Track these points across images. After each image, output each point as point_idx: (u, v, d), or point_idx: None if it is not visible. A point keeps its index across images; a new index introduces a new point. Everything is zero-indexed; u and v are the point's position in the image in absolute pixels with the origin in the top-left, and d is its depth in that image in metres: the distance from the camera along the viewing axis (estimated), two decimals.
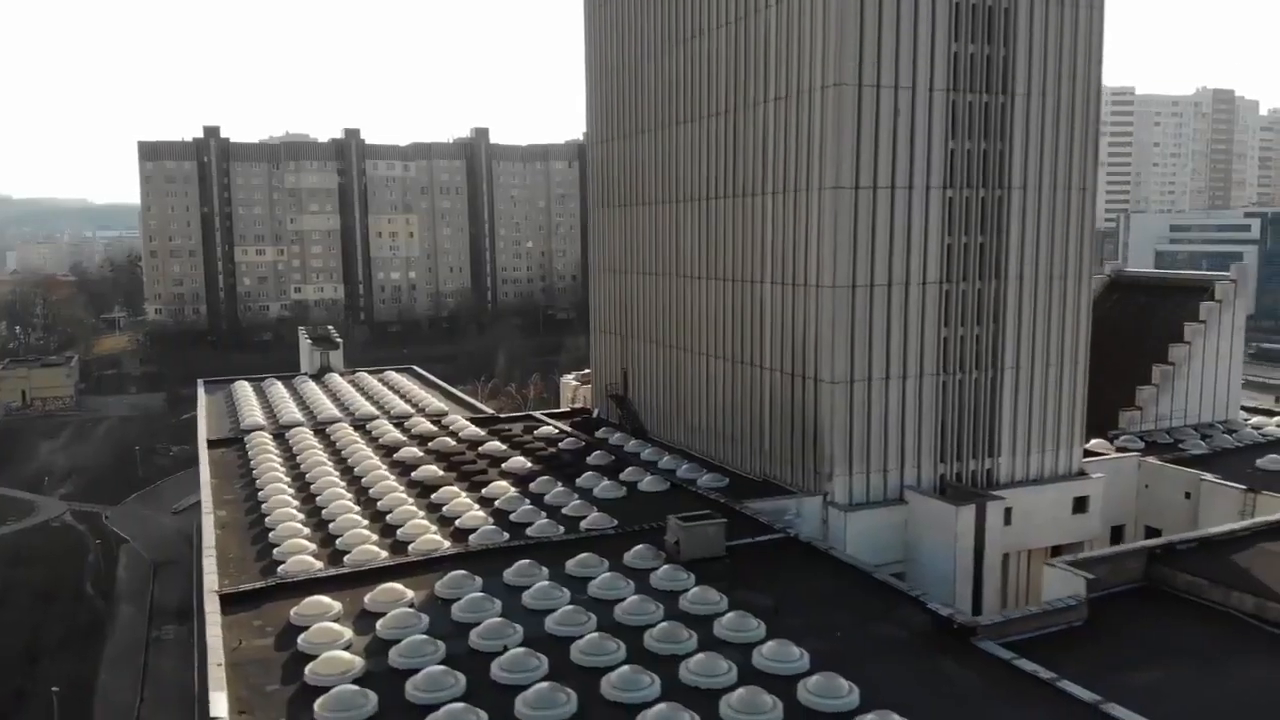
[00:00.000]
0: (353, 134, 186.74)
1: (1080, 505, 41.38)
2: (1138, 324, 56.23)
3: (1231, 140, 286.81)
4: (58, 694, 52.42)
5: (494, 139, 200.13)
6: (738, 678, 22.86)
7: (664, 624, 25.61)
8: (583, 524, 35.56)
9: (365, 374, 74.21)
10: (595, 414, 59.69)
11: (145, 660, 57.43)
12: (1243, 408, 57.11)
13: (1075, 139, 40.57)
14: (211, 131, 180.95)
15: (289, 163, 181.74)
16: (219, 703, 21.88)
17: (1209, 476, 41.91)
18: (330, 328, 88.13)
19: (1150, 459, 45.36)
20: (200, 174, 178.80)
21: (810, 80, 37.62)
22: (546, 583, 28.67)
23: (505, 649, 24.11)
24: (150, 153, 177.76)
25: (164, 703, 47.79)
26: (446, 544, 33.15)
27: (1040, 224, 40.26)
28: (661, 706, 20.99)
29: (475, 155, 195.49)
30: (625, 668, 22.95)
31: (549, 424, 56.12)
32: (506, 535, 34.06)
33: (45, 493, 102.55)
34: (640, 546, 32.01)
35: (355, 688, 22.24)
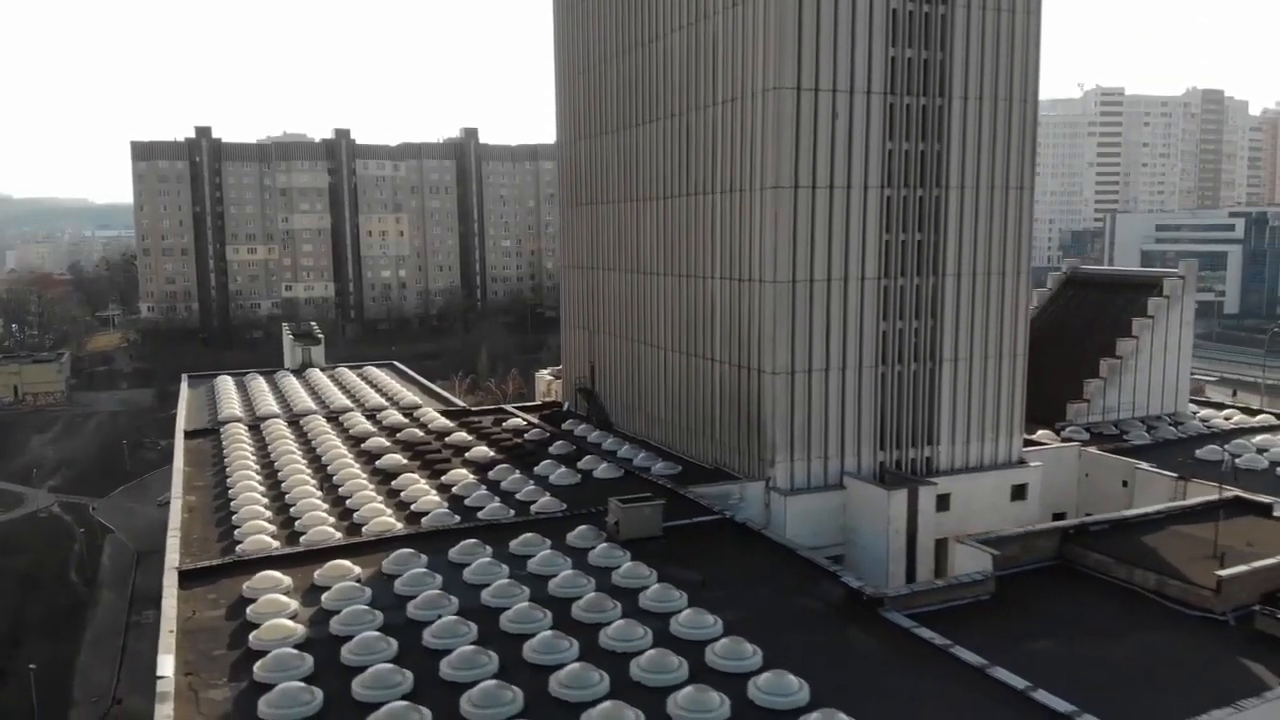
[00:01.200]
0: (343, 134, 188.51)
1: (1019, 493, 42.99)
2: (1090, 319, 57.96)
3: (1221, 140, 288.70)
4: (34, 671, 54.21)
5: (483, 139, 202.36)
6: (652, 642, 24.50)
7: (591, 595, 27.28)
8: (533, 508, 37.23)
9: (345, 369, 75.76)
10: (565, 407, 61.34)
11: (124, 643, 59.18)
12: (1192, 400, 58.83)
13: (1013, 140, 42.19)
14: (203, 132, 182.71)
15: (280, 162, 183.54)
16: (165, 664, 23.54)
17: (1143, 465, 43.58)
18: (313, 324, 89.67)
19: (1091, 449, 47.02)
20: (192, 173, 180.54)
21: (752, 84, 39.25)
22: (487, 560, 30.29)
23: (439, 618, 25.73)
24: (143, 152, 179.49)
25: (139, 682, 49.45)
26: (399, 526, 34.82)
27: (978, 222, 41.85)
28: (574, 667, 22.66)
29: (465, 155, 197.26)
30: (548, 633, 24.64)
31: (518, 416, 57.87)
32: (458, 518, 35.73)
33: (34, 485, 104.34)
34: (583, 527, 33.66)
35: (293, 651, 23.91)
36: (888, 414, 41.37)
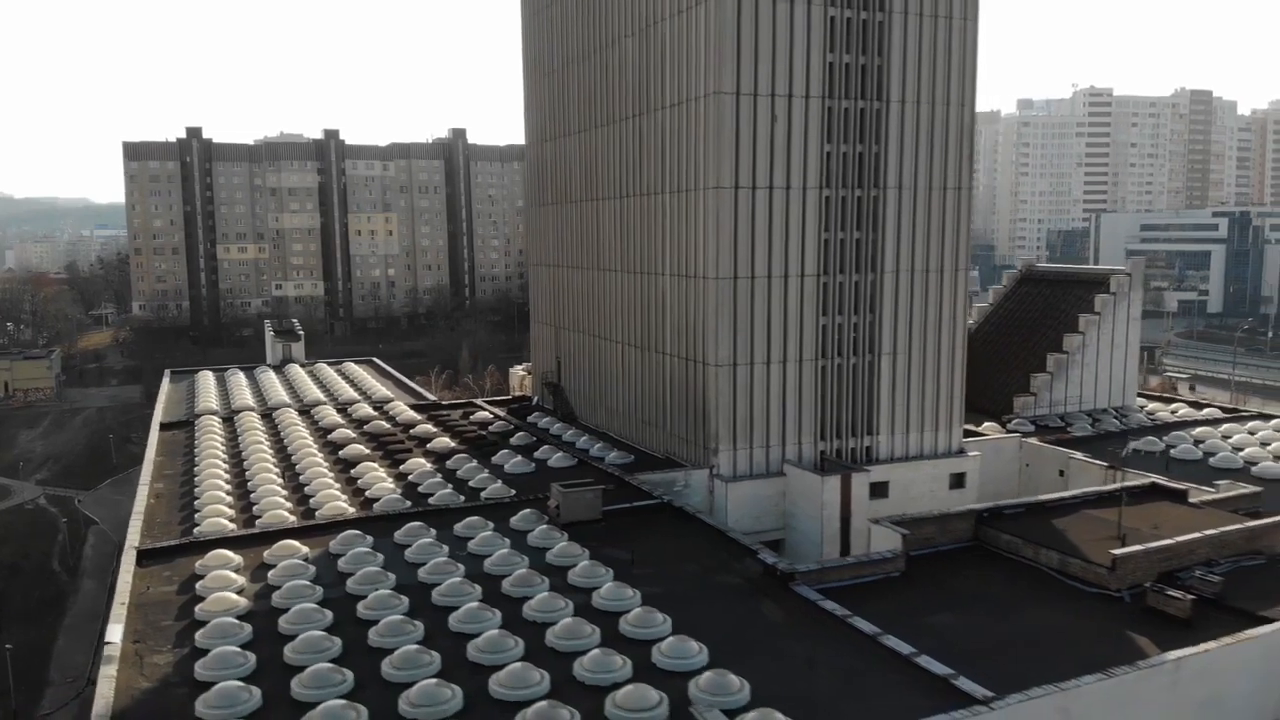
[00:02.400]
0: (332, 134, 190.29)
1: (958, 481, 44.76)
2: (1041, 315, 59.69)
3: (1209, 141, 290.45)
4: (11, 653, 55.87)
5: (472, 139, 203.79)
6: (572, 613, 26.18)
7: (522, 571, 28.98)
8: (483, 494, 38.92)
9: (325, 365, 77.29)
10: (534, 401, 63.01)
11: (101, 628, 60.67)
12: (1140, 394, 60.57)
13: (950, 143, 43.83)
14: (194, 132, 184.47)
15: (270, 163, 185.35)
16: (114, 632, 25.24)
17: (1078, 455, 45.29)
18: (295, 321, 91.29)
19: (1031, 440, 48.74)
20: (183, 174, 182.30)
21: (695, 89, 40.95)
22: (430, 541, 31.97)
23: (374, 592, 27.40)
24: (134, 153, 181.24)
25: None
26: (351, 510, 36.50)
27: (915, 221, 43.51)
28: (492, 634, 24.36)
29: (453, 155, 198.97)
30: (473, 605, 26.33)
31: (486, 410, 59.49)
32: (408, 503, 37.42)
33: (22, 478, 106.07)
34: (526, 511, 35.37)
35: (233, 620, 25.60)
36: (828, 405, 43.06)
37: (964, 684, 22.23)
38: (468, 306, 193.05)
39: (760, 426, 41.91)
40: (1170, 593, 27.27)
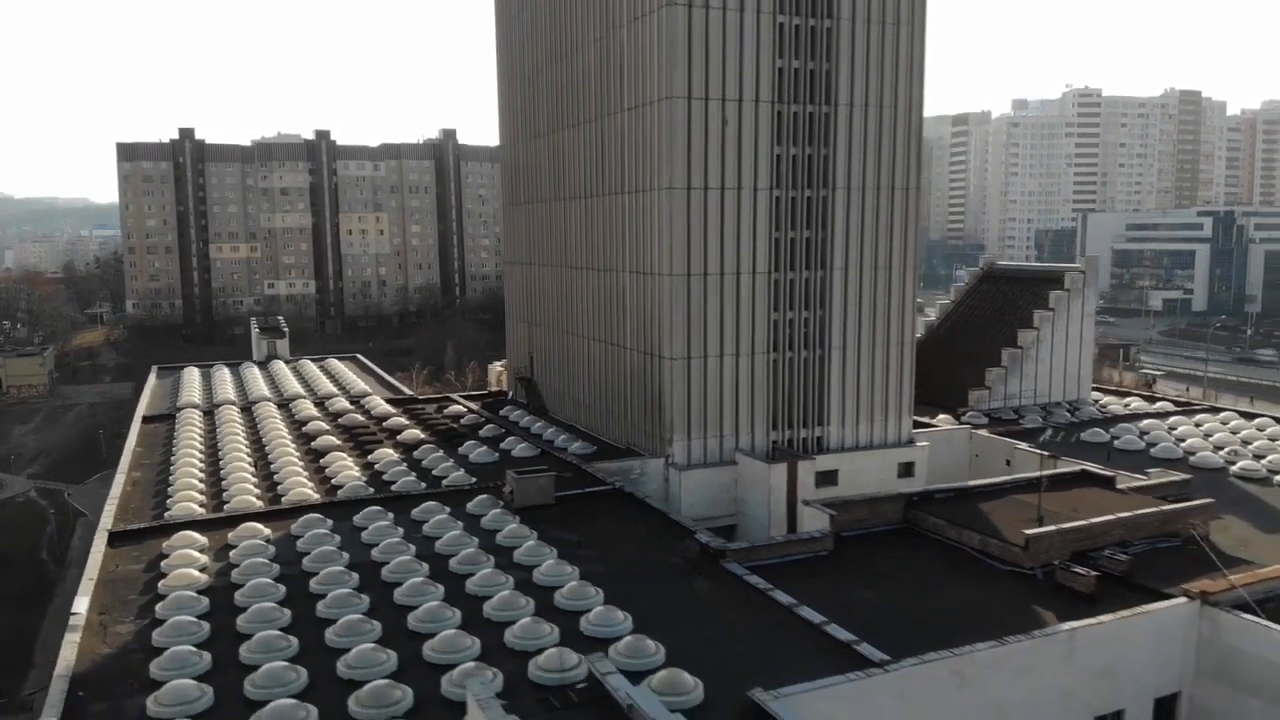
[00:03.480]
0: (323, 135, 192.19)
1: (907, 470, 46.44)
2: (999, 312, 61.45)
3: (1198, 141, 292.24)
4: None
5: (462, 140, 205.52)
6: (512, 587, 27.88)
7: (469, 550, 30.70)
8: (444, 481, 40.62)
9: (308, 361, 79.00)
10: (509, 395, 64.71)
11: None
12: (1095, 388, 62.31)
13: (898, 145, 45.48)
14: (186, 133, 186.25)
15: (262, 163, 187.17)
16: (80, 604, 26.96)
17: (1021, 445, 47.01)
18: (280, 318, 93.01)
19: (981, 431, 50.47)
20: (176, 174, 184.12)
21: (650, 93, 42.65)
22: (386, 524, 33.68)
23: (327, 569, 29.11)
24: (128, 153, 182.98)
25: None
26: (315, 496, 38.20)
27: (864, 221, 45.19)
28: (433, 604, 26.08)
29: (443, 155, 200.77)
30: (418, 579, 28.04)
31: (460, 404, 61.22)
32: (371, 489, 39.13)
33: (13, 472, 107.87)
34: (482, 496, 37.08)
35: (192, 593, 27.30)
36: (779, 397, 44.75)
37: (865, 649, 23.92)
38: (458, 305, 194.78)
39: (714, 417, 43.59)
40: (1076, 570, 28.99)
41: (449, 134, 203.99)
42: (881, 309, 46.23)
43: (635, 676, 21.94)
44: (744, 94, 42.23)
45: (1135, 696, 26.94)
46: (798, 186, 43.75)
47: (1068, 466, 41.31)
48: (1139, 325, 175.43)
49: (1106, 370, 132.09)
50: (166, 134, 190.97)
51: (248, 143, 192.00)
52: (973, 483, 38.23)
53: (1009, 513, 33.94)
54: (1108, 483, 38.05)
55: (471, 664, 22.39)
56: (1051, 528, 30.98)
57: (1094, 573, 28.76)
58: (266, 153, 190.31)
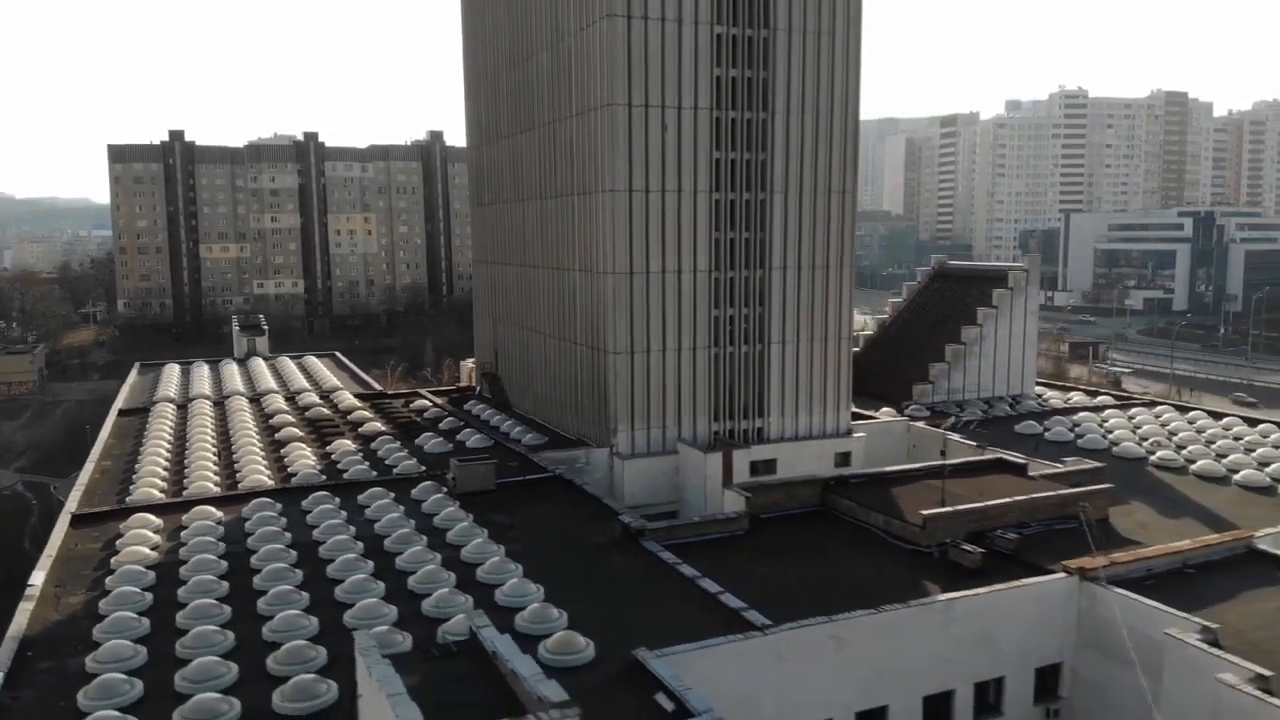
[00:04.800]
0: (311, 137, 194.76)
1: (844, 460, 48.59)
2: (948, 309, 63.55)
3: (1184, 142, 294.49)
4: None
5: (449, 141, 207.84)
6: (440, 564, 29.96)
7: (404, 531, 32.77)
8: (395, 469, 42.70)
9: (286, 358, 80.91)
10: (477, 390, 66.81)
11: None
12: (1040, 382, 64.43)
13: (834, 150, 47.62)
14: (176, 135, 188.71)
15: (251, 164, 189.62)
16: (37, 577, 29.11)
17: (954, 436, 49.01)
18: (261, 316, 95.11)
19: (918, 423, 52.59)
20: (166, 175, 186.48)
21: (594, 100, 44.78)
22: (331, 507, 35.76)
23: (266, 547, 31.20)
24: (119, 155, 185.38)
25: None
26: (270, 483, 40.29)
27: (801, 222, 47.32)
28: (360, 577, 28.17)
29: (430, 157, 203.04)
30: (350, 555, 30.15)
31: (427, 399, 63.30)
32: (324, 476, 41.23)
33: (1, 466, 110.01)
34: (426, 483, 39.16)
35: (139, 568, 29.41)
36: (721, 389, 46.89)
37: (751, 615, 26.00)
38: (444, 304, 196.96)
39: (657, 409, 45.73)
40: (966, 547, 31.13)
41: (436, 135, 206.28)
42: (819, 306, 48.35)
43: (536, 639, 24.13)
44: (683, 101, 44.34)
45: (1016, 665, 28.93)
46: (737, 189, 45.85)
47: (981, 455, 43.63)
48: (1119, 324, 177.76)
49: (1077, 367, 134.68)
50: (164, 135, 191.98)
51: (238, 144, 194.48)
52: (888, 468, 40.35)
53: (916, 496, 36.02)
54: (1020, 470, 40.17)
55: (384, 628, 24.46)
56: (948, 509, 33.08)
57: (981, 550, 30.89)
58: (256, 154, 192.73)
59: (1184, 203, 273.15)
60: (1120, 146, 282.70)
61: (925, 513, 32.58)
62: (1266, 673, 23.49)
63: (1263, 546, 32.61)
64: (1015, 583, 29.15)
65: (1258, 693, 23.00)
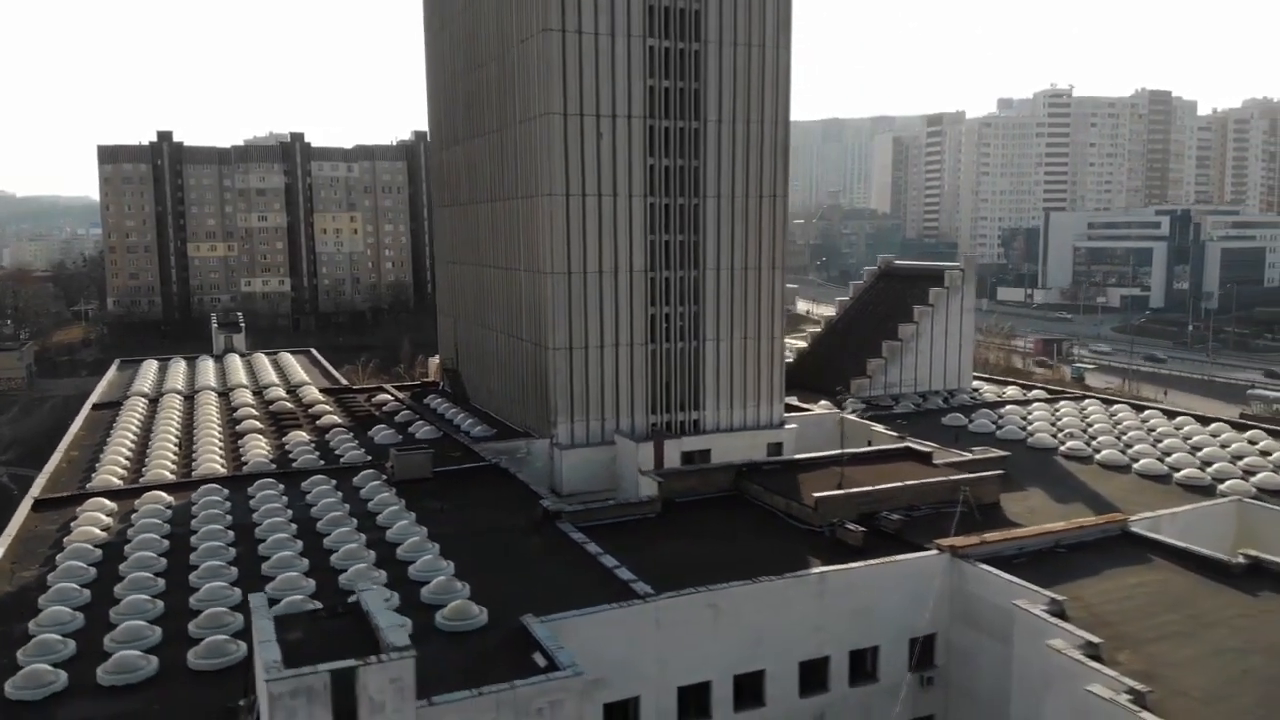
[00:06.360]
0: (297, 137, 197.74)
1: (776, 449, 51.08)
2: (890, 307, 66.16)
3: (1168, 140, 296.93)
4: None
5: None
6: (364, 544, 32.53)
7: (336, 513, 35.37)
8: (342, 459, 45.30)
9: (262, 355, 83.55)
10: (440, 386, 69.37)
11: None
12: (976, 377, 67.08)
13: (765, 156, 50.05)
14: (165, 136, 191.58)
15: (238, 165, 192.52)
16: None
17: (878, 427, 51.78)
18: (239, 314, 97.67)
19: (849, 415, 55.20)
20: (155, 175, 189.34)
21: (534, 108, 47.32)
22: (274, 493, 38.37)
23: (204, 528, 33.82)
24: (108, 155, 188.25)
25: None
26: (222, 471, 42.90)
27: (734, 225, 49.76)
28: (285, 554, 30.80)
29: (415, 156, 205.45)
30: (282, 535, 32.79)
31: (390, 393, 65.89)
32: (273, 465, 43.82)
33: None
34: (368, 471, 41.77)
35: (89, 546, 32.04)
36: (658, 383, 49.39)
37: (638, 587, 28.63)
38: (428, 302, 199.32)
39: (595, 402, 48.25)
40: (850, 527, 33.75)
41: (421, 135, 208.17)
42: (753, 305, 50.82)
43: (436, 608, 26.78)
44: (618, 110, 46.83)
45: (890, 635, 31.48)
46: (671, 194, 48.35)
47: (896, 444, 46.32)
48: (1093, 321, 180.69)
49: (1041, 364, 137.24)
50: (153, 136, 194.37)
51: (225, 145, 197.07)
52: (800, 456, 42.97)
53: (819, 481, 38.58)
54: (925, 458, 42.77)
55: (298, 597, 27.08)
56: (838, 492, 35.71)
57: (864, 530, 33.51)
58: (242, 154, 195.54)
59: (1167, 201, 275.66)
60: (1104, 145, 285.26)
61: (817, 495, 35.18)
62: (1096, 639, 25.98)
63: (1137, 529, 35.18)
64: (889, 558, 31.76)
65: (1081, 656, 25.52)
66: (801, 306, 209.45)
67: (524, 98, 48.70)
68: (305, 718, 17.28)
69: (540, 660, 23.65)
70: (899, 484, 36.91)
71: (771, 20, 49.23)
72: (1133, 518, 35.97)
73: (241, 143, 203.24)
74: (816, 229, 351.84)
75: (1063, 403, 59.47)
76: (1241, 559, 31.84)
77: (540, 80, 46.14)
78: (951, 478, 38.18)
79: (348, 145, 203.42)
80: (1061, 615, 28.02)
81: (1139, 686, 23.28)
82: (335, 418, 54.82)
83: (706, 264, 49.53)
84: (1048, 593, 28.82)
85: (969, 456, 43.50)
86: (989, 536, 33.19)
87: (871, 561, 31.41)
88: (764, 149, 50.02)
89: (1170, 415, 56.22)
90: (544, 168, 46.62)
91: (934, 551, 32.24)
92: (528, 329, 51.01)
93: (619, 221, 47.60)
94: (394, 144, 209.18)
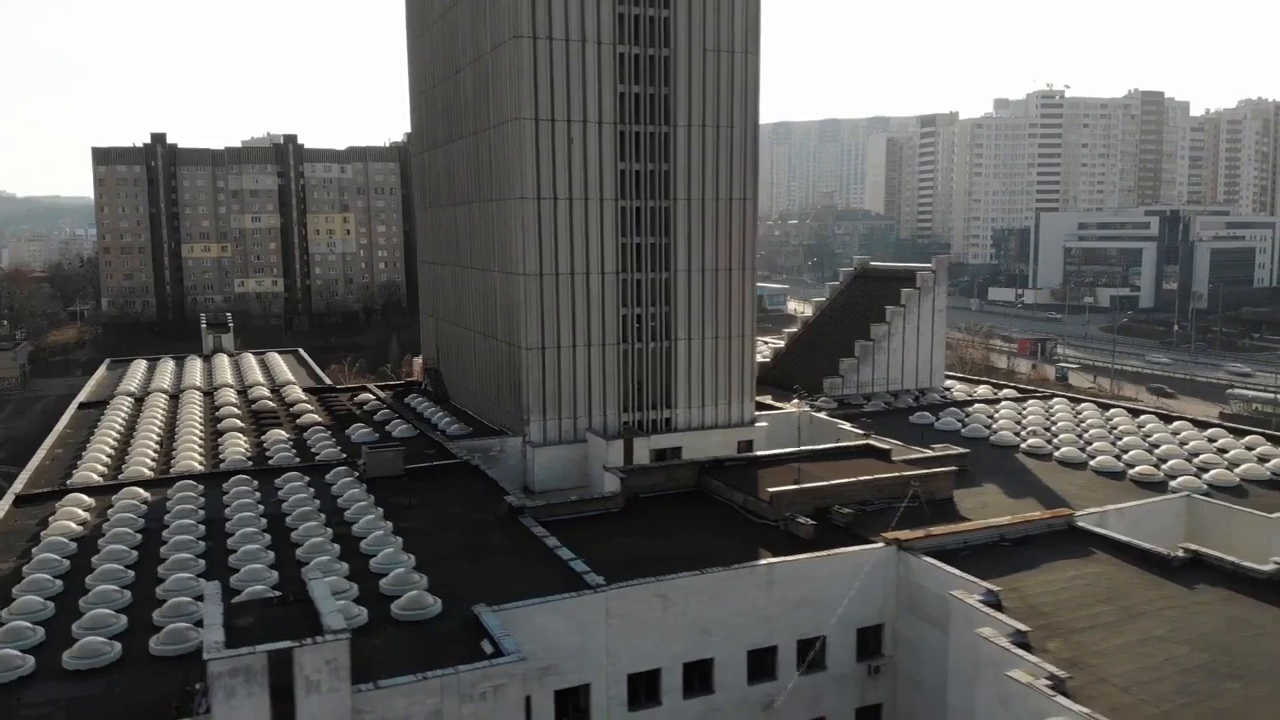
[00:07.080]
0: (290, 139, 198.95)
1: (746, 446, 52.15)
2: (865, 308, 67.27)
3: (1161, 141, 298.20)
4: None
5: None
6: (331, 538, 33.60)
7: (305, 509, 36.45)
8: (318, 456, 46.39)
9: (249, 355, 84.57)
10: (423, 385, 70.43)
11: None
12: (948, 376, 68.18)
13: (734, 160, 51.13)
14: (159, 138, 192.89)
15: (232, 166, 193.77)
16: None
17: (844, 424, 52.86)
18: (228, 314, 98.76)
19: (820, 414, 56.30)
20: (149, 177, 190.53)
21: (506, 114, 48.42)
22: (247, 489, 39.44)
23: (176, 523, 34.92)
24: (103, 157, 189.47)
25: None
26: (199, 467, 44.00)
27: (704, 228, 50.84)
28: (252, 547, 31.88)
29: (407, 158, 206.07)
30: (251, 529, 33.88)
31: (373, 393, 66.96)
32: (250, 462, 44.92)
33: None
34: (340, 468, 42.85)
35: (64, 539, 33.14)
36: (630, 382, 50.49)
37: (590, 578, 29.74)
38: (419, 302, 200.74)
39: (568, 400, 49.36)
40: (800, 520, 34.85)
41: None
42: (723, 305, 51.90)
43: (394, 598, 27.90)
44: (588, 116, 47.93)
45: (837, 625, 32.49)
46: (642, 197, 49.45)
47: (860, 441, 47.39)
48: (1081, 322, 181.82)
49: (1026, 363, 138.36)
50: (146, 138, 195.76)
51: (219, 146, 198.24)
52: (762, 453, 44.09)
53: (776, 477, 39.59)
54: (884, 454, 43.88)
55: (260, 588, 28.19)
56: (791, 487, 36.80)
57: (814, 523, 34.61)
58: (236, 156, 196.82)
59: (1160, 201, 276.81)
60: (1096, 146, 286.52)
61: (772, 490, 36.29)
62: (1024, 627, 27.05)
63: (1082, 524, 36.26)
64: (835, 550, 32.83)
65: (1008, 644, 26.59)
66: (792, 306, 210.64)
67: (497, 103, 49.79)
68: (245, 695, 18.39)
69: (488, 647, 24.76)
70: (852, 479, 37.98)
71: (740, 27, 50.32)
72: (1079, 512, 37.06)
73: (235, 144, 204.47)
74: (811, 229, 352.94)
75: (1031, 402, 60.54)
76: (1181, 553, 32.86)
77: (512, 86, 47.23)
78: (905, 474, 39.23)
79: (340, 147, 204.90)
80: (997, 606, 28.99)
81: (1059, 673, 24.27)
82: (316, 416, 55.87)
83: (678, 265, 50.62)
84: (985, 584, 29.79)
85: (928, 454, 44.59)
86: (934, 530, 34.29)
87: (818, 554, 32.47)
88: (733, 153, 51.09)
89: (1135, 414, 57.32)
90: (516, 172, 47.71)
91: (879, 544, 33.30)
92: (502, 329, 52.11)
93: (590, 224, 48.69)
94: (386, 145, 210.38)
